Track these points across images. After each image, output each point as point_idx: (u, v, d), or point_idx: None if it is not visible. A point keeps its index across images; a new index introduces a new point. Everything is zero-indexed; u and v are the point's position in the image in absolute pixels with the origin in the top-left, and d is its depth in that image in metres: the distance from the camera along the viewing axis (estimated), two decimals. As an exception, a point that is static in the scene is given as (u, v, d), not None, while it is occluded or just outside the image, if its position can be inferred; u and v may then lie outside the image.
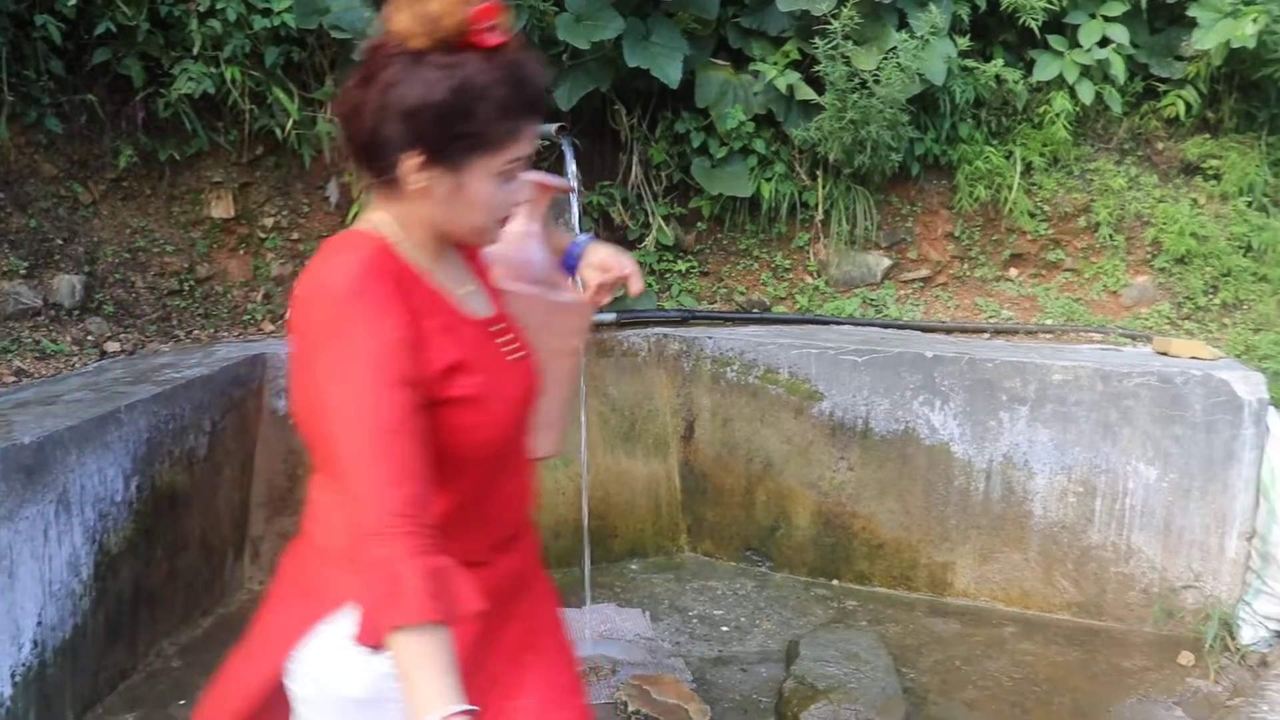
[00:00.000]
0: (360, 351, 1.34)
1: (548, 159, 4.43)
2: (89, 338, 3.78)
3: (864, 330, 4.38)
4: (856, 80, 4.40)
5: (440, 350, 1.43)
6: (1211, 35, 4.48)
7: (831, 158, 4.54)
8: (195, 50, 4.03)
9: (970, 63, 4.65)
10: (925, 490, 3.97)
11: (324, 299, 1.40)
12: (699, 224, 4.80)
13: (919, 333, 4.41)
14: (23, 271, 3.75)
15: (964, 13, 4.70)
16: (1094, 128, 4.91)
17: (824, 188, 4.69)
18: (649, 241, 4.65)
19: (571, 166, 3.72)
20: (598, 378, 4.22)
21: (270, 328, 4.23)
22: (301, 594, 1.53)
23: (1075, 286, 4.68)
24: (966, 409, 3.89)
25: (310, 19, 4.12)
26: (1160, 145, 4.91)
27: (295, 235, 4.44)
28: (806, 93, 4.53)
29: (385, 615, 1.25)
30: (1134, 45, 4.75)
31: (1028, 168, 4.73)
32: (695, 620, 3.82)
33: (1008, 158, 4.71)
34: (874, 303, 4.66)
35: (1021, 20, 4.64)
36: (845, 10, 4.36)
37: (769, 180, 4.66)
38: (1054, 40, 4.75)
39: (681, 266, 4.69)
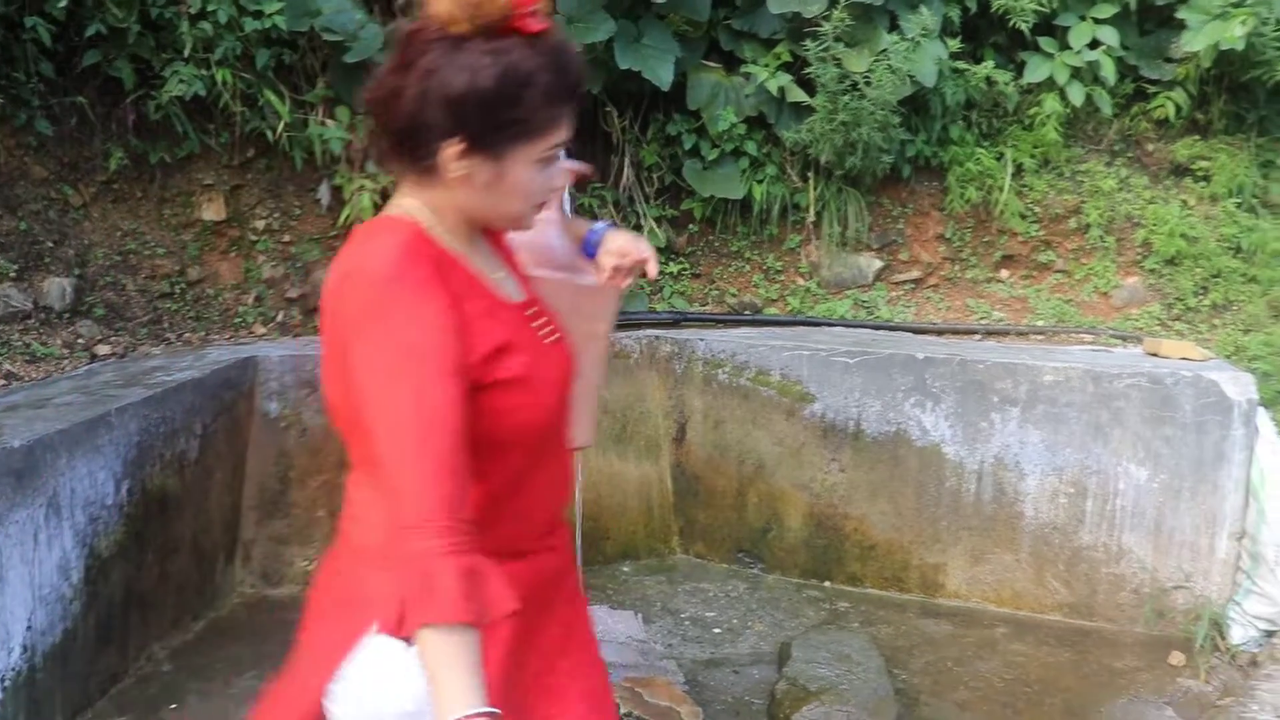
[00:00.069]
0: (399, 339, 1.31)
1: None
2: (79, 341, 3.77)
3: (855, 332, 4.39)
4: (848, 82, 4.42)
5: (484, 333, 1.41)
6: (1200, 37, 4.50)
7: (823, 159, 4.55)
8: (186, 52, 4.02)
9: (961, 65, 4.66)
10: (917, 492, 3.97)
11: (360, 284, 1.36)
12: (690, 226, 4.80)
13: (910, 334, 4.42)
14: (12, 274, 3.74)
15: (954, 15, 4.71)
16: (1084, 129, 4.93)
17: (815, 189, 4.70)
18: (641, 243, 4.65)
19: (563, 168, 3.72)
20: (590, 380, 4.22)
21: (262, 330, 4.23)
22: (339, 605, 1.49)
23: (1066, 288, 4.69)
24: (958, 410, 3.90)
25: (301, 21, 4.12)
26: (1150, 147, 4.93)
27: (287, 238, 4.43)
28: (798, 95, 4.54)
29: (416, 612, 1.23)
30: (1124, 47, 4.77)
31: (1018, 169, 4.74)
32: (687, 622, 3.82)
33: (999, 159, 4.73)
34: (865, 304, 4.66)
35: (1012, 22, 4.66)
36: (836, 12, 4.37)
37: (760, 182, 4.67)
38: (1044, 42, 4.77)
39: (673, 268, 4.70)
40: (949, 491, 3.94)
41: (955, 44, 4.59)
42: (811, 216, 4.73)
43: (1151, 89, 4.84)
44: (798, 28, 4.52)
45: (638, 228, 4.68)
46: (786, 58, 4.60)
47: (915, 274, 4.77)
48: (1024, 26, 4.64)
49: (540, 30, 1.38)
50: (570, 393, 1.57)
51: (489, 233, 1.56)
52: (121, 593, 3.13)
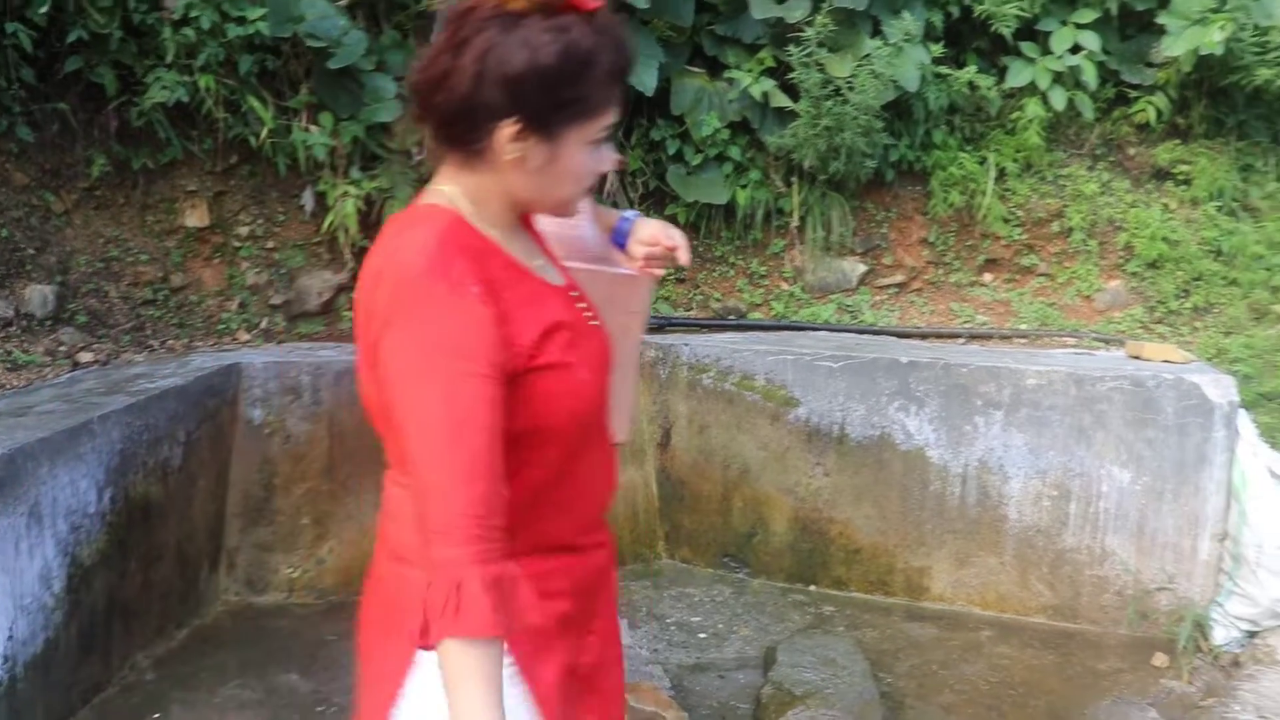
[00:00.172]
0: (430, 336, 1.27)
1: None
2: (61, 348, 3.75)
3: (839, 336, 4.40)
4: (831, 87, 4.43)
5: (530, 318, 1.37)
6: (1180, 42, 4.53)
7: (806, 164, 4.56)
8: (169, 58, 4.01)
9: (944, 69, 4.68)
10: (901, 495, 3.99)
11: (394, 277, 1.32)
12: (675, 231, 4.80)
13: (894, 338, 4.44)
14: (-6, 282, 3.72)
15: (937, 20, 4.73)
16: (1066, 134, 4.95)
17: (799, 194, 4.71)
18: (625, 248, 4.65)
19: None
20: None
21: (245, 337, 4.22)
22: (386, 612, 1.46)
23: (1049, 291, 4.71)
24: (942, 414, 3.91)
25: (285, 27, 4.11)
26: (1132, 151, 4.96)
27: (270, 244, 4.42)
28: (781, 100, 4.55)
29: (441, 623, 1.20)
30: (1105, 52, 4.80)
31: (1001, 173, 4.76)
32: (673, 627, 3.82)
33: (981, 163, 4.75)
34: (849, 308, 4.68)
35: (994, 27, 4.68)
36: (819, 18, 4.39)
37: (744, 187, 4.68)
38: (1026, 47, 4.79)
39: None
40: (933, 495, 3.95)
41: (938, 49, 4.61)
42: (795, 221, 4.73)
43: (1133, 93, 4.86)
44: (781, 33, 4.54)
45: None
46: (770, 63, 4.62)
47: (899, 278, 4.79)
48: (1006, 31, 4.67)
49: (596, 7, 1.35)
50: (609, 381, 1.53)
51: (525, 221, 1.53)
52: (104, 601, 3.12)
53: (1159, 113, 4.77)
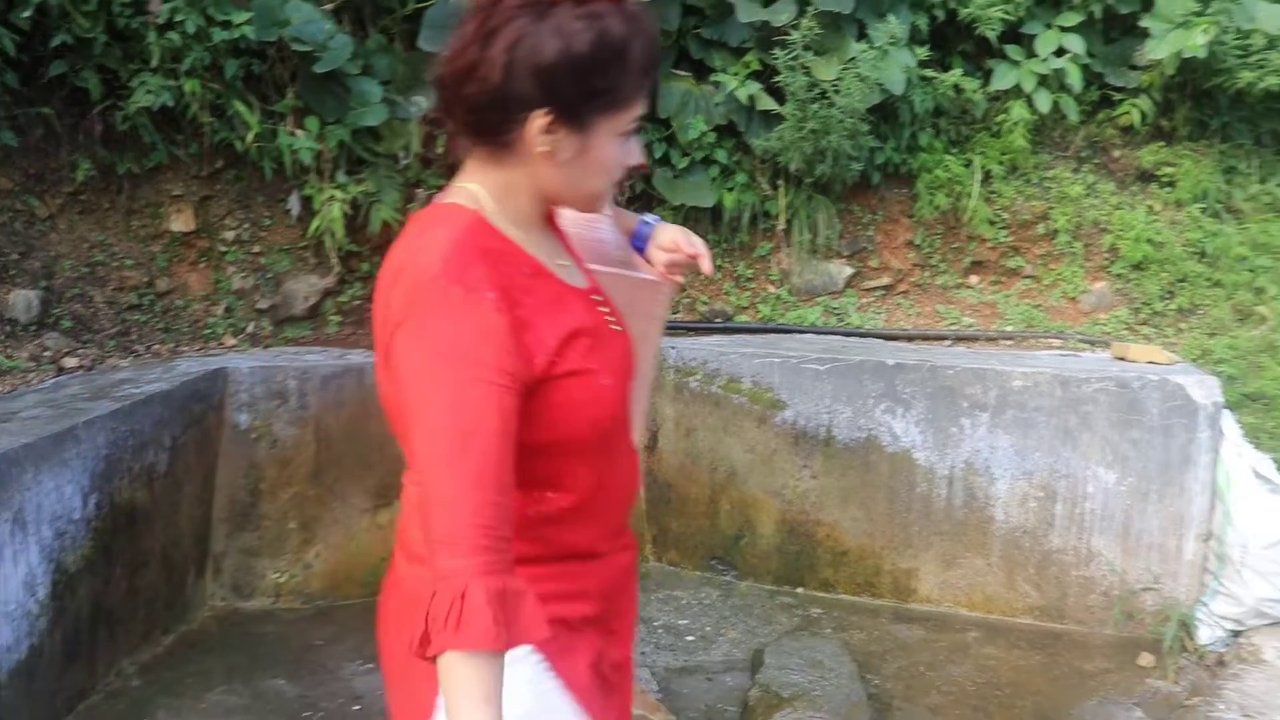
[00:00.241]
0: (443, 339, 1.25)
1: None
2: (46, 353, 3.74)
3: (826, 339, 4.41)
4: (817, 90, 4.44)
5: (552, 323, 1.35)
6: (1164, 45, 4.55)
7: (793, 167, 4.57)
8: (154, 63, 3.99)
9: (929, 72, 4.69)
10: (888, 497, 3.99)
11: (411, 278, 1.30)
12: (662, 234, 4.80)
13: (881, 340, 4.45)
14: (-22, 287, 3.71)
15: (922, 23, 4.74)
16: (1051, 136, 4.97)
17: (785, 197, 4.72)
18: (612, 252, 4.65)
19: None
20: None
21: (232, 342, 4.21)
22: (407, 625, 1.38)
23: (1035, 293, 4.73)
24: (928, 416, 3.93)
25: (270, 31, 4.10)
26: (1116, 153, 4.98)
27: (256, 248, 4.41)
28: (767, 103, 4.55)
29: (442, 635, 1.17)
30: (1090, 55, 4.82)
31: (987, 176, 4.78)
32: (660, 630, 3.82)
33: (967, 166, 4.76)
34: (836, 311, 4.69)
35: (979, 30, 4.70)
36: (805, 21, 4.39)
37: (731, 190, 4.68)
38: (1011, 50, 4.81)
39: (645, 276, 4.70)
40: (920, 497, 3.96)
41: (923, 52, 4.63)
42: (782, 224, 4.74)
43: (1117, 96, 4.89)
44: (766, 36, 4.54)
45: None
46: (756, 66, 4.63)
47: (885, 280, 4.80)
48: (991, 35, 4.68)
49: None
50: (632, 387, 1.51)
51: (549, 221, 1.50)
52: (89, 608, 3.11)
53: (1143, 115, 4.79)
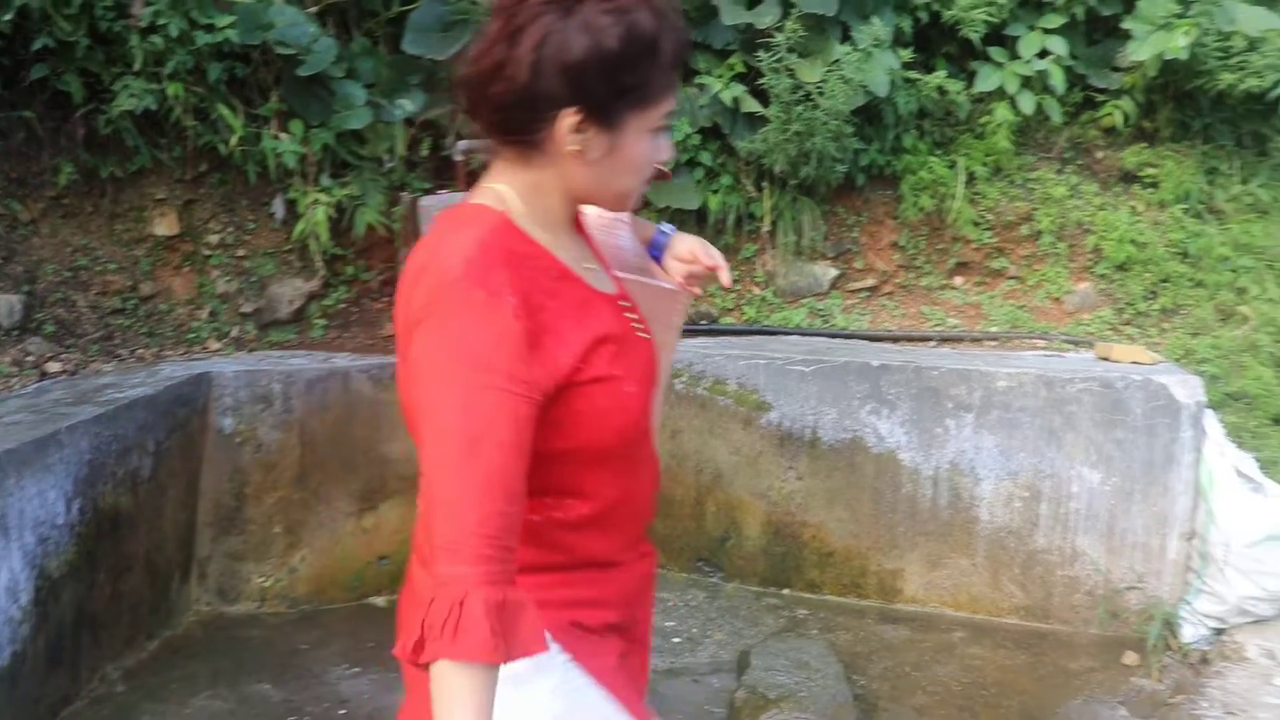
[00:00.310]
0: (459, 342, 1.22)
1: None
2: (29, 358, 3.72)
3: (811, 340, 4.42)
4: (801, 92, 4.45)
5: (575, 329, 1.32)
6: (1146, 47, 4.58)
7: (777, 169, 4.58)
8: (137, 66, 3.98)
9: (913, 74, 4.71)
10: (874, 498, 4.00)
11: (432, 280, 1.27)
12: (647, 236, 4.80)
13: (866, 342, 4.46)
14: (-40, 292, 3.69)
15: (906, 25, 4.76)
16: (1035, 137, 4.99)
17: (770, 199, 4.72)
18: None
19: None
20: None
21: (216, 346, 4.19)
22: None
23: (1019, 294, 4.75)
24: (913, 417, 3.93)
25: (254, 34, 4.10)
26: (1099, 154, 5.00)
27: (241, 252, 4.40)
28: (752, 105, 4.56)
29: (439, 642, 1.14)
30: (1073, 57, 4.84)
31: (971, 177, 4.80)
32: (648, 632, 3.81)
33: (951, 167, 4.78)
34: (821, 313, 4.70)
35: (962, 32, 4.71)
36: (789, 23, 4.41)
37: (715, 192, 4.69)
38: (994, 52, 4.83)
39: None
40: (905, 498, 3.97)
41: (907, 54, 4.64)
42: (767, 226, 4.75)
43: (1100, 97, 4.91)
44: (751, 39, 4.55)
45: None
46: (740, 68, 4.63)
47: (870, 282, 4.81)
48: (974, 37, 4.70)
49: None
50: (655, 394, 1.48)
51: (576, 224, 1.48)
52: (73, 613, 3.09)
53: (1126, 117, 4.82)
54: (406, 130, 4.44)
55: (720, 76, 4.61)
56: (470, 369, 1.21)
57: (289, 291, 4.39)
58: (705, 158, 4.67)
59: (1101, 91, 4.91)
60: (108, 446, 3.23)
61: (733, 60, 4.65)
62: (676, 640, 3.76)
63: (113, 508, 3.27)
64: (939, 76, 4.72)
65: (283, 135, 4.22)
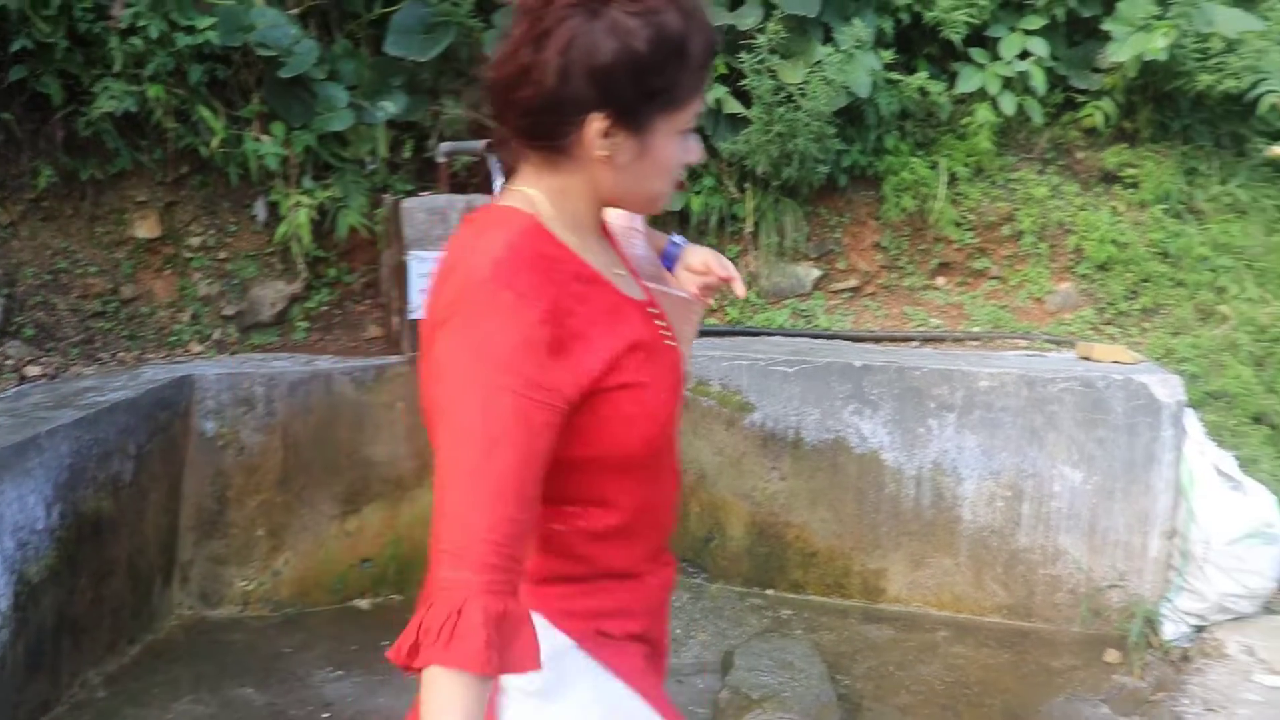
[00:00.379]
0: (483, 346, 1.20)
1: (476, 177, 4.43)
2: (8, 362, 3.70)
3: (794, 341, 4.42)
4: (783, 94, 4.46)
5: (605, 335, 1.30)
6: (1125, 48, 4.61)
7: (759, 170, 4.59)
8: (116, 68, 3.96)
9: (894, 76, 4.72)
10: (857, 498, 4.01)
11: (460, 280, 1.26)
12: (631, 238, 4.80)
13: (848, 342, 4.47)
14: (-62, 295, 3.66)
15: (888, 27, 4.78)
16: (1016, 138, 5.02)
17: (753, 200, 4.73)
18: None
19: (499, 182, 3.72)
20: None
21: (198, 349, 4.18)
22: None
23: (1001, 294, 4.77)
24: (896, 417, 3.95)
25: (235, 36, 4.08)
26: (1080, 155, 5.03)
27: (222, 254, 4.38)
28: (734, 106, 4.57)
29: (431, 648, 1.12)
30: (1053, 58, 4.87)
31: (953, 178, 4.81)
32: (632, 633, 3.81)
33: (933, 168, 4.79)
34: (804, 313, 4.70)
35: (944, 34, 4.73)
36: (771, 25, 4.42)
37: (698, 194, 4.69)
38: (976, 53, 4.85)
39: (614, 280, 4.70)
40: (888, 497, 3.98)
41: (888, 55, 4.66)
42: (749, 227, 4.76)
43: (1080, 98, 4.93)
44: (733, 40, 4.56)
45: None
46: (722, 70, 4.64)
47: (853, 282, 4.82)
48: (955, 38, 4.72)
49: None
50: (680, 403, 1.46)
51: (605, 230, 1.46)
52: (53, 619, 3.08)
53: (1106, 117, 4.84)
54: (388, 132, 4.44)
55: (703, 78, 4.60)
56: (492, 371, 1.19)
57: (271, 294, 4.38)
58: (688, 159, 4.67)
59: (1082, 92, 4.94)
60: (88, 450, 3.22)
61: (715, 61, 4.65)
62: (661, 641, 3.76)
63: (94, 512, 3.26)
64: (921, 78, 4.74)
65: (264, 137, 4.21)
